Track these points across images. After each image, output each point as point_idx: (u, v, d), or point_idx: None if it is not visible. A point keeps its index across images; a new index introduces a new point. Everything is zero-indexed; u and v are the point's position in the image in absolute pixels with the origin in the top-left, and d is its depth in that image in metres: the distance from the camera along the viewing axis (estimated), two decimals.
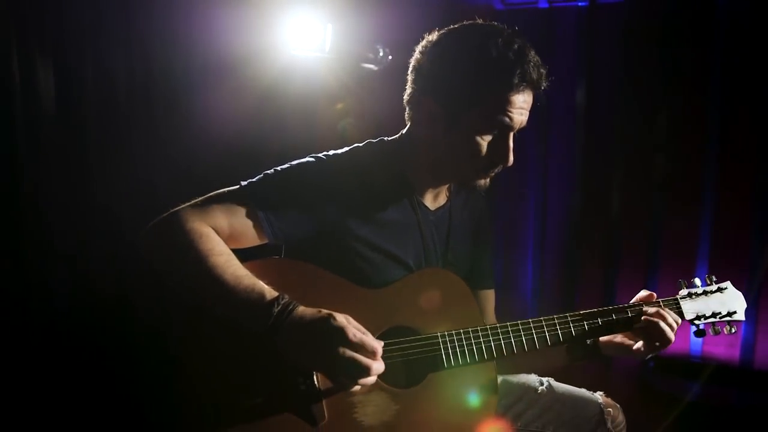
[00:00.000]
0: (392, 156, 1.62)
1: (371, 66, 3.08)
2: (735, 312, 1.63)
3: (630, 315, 1.58)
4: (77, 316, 2.37)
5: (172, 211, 1.44)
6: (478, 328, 1.51)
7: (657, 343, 1.56)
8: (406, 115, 1.62)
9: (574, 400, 1.77)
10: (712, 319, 1.62)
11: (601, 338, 1.66)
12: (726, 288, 1.65)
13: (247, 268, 1.41)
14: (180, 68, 2.62)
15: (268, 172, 1.53)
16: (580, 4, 3.33)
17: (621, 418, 1.76)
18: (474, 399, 1.52)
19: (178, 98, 2.60)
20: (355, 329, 1.32)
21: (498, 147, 1.51)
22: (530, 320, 1.54)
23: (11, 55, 2.13)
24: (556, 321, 1.55)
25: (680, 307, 1.63)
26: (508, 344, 1.51)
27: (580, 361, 1.71)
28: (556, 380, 1.84)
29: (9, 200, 2.18)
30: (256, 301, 1.35)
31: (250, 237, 1.48)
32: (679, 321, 1.59)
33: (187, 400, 1.42)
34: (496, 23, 1.53)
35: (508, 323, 1.53)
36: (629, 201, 3.29)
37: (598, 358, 1.70)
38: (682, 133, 3.17)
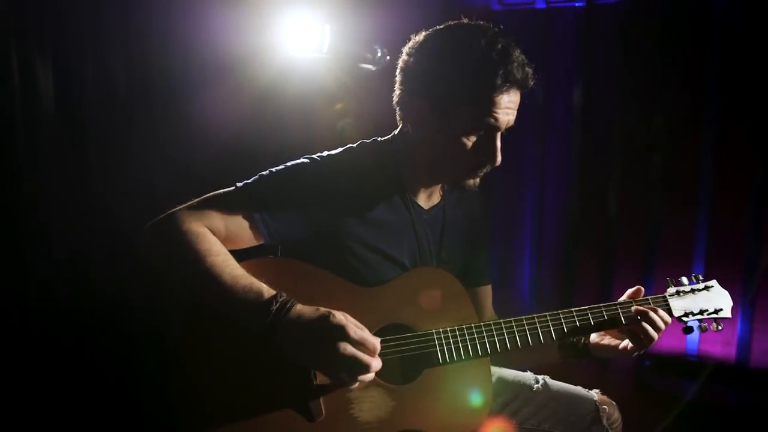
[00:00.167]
0: (385, 156, 1.63)
1: (369, 66, 3.09)
2: (721, 309, 1.66)
3: (620, 312, 1.60)
4: (76, 315, 2.38)
5: (169, 212, 1.45)
6: (473, 325, 1.53)
7: (642, 341, 1.58)
8: (397, 115, 1.64)
9: (569, 398, 1.79)
10: (699, 317, 1.65)
11: (591, 340, 1.68)
12: (712, 286, 1.69)
13: (244, 267, 1.42)
14: (178, 68, 2.63)
15: (264, 173, 1.54)
16: (577, 4, 3.34)
17: (617, 415, 1.78)
18: (469, 395, 1.54)
19: (177, 98, 2.61)
20: (355, 326, 1.33)
21: (485, 147, 1.52)
22: (523, 317, 1.56)
23: (11, 55, 2.14)
24: (548, 319, 1.57)
25: (669, 305, 1.65)
26: (502, 341, 1.53)
27: (573, 358, 1.73)
28: (552, 378, 1.86)
29: (8, 200, 2.19)
30: (253, 299, 1.36)
31: (246, 238, 1.49)
32: (669, 320, 1.61)
33: (185, 397, 1.44)
34: (482, 23, 1.54)
35: (501, 320, 1.55)
36: (626, 201, 3.30)
37: (589, 357, 1.72)
38: (678, 133, 3.18)
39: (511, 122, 1.53)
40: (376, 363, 1.34)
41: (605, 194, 3.33)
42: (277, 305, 1.34)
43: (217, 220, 1.46)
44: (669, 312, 1.63)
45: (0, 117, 2.15)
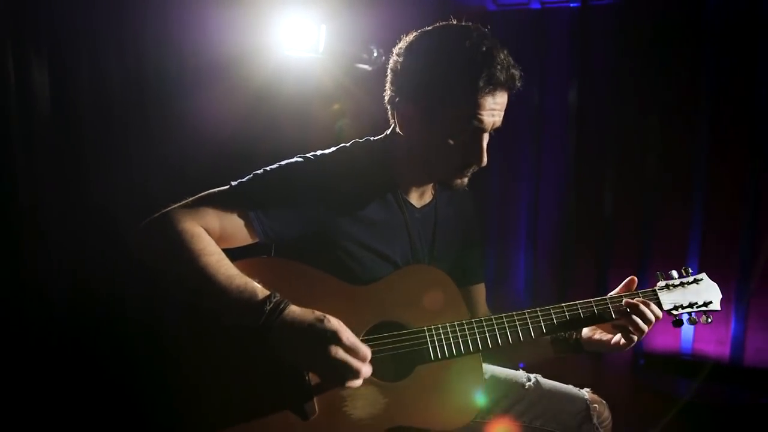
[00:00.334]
0: (378, 155, 1.64)
1: (365, 66, 3.10)
2: (711, 302, 1.67)
3: (610, 306, 1.61)
4: (72, 315, 2.38)
5: (163, 211, 1.46)
6: (464, 322, 1.54)
7: (633, 335, 1.58)
8: (389, 115, 1.65)
9: (560, 396, 1.80)
10: (689, 309, 1.66)
11: (583, 335, 1.69)
12: (702, 279, 1.69)
13: (238, 267, 1.43)
14: (174, 69, 2.63)
15: (258, 172, 1.55)
16: (572, 5, 3.36)
17: (607, 413, 1.79)
18: (461, 391, 1.55)
19: (172, 99, 2.61)
20: (348, 332, 1.35)
21: (472, 148, 1.53)
22: (514, 313, 1.56)
23: (6, 56, 2.14)
24: (539, 314, 1.57)
25: (658, 299, 1.65)
26: (493, 337, 1.54)
27: (566, 354, 1.73)
28: (545, 376, 1.87)
29: (3, 200, 2.20)
30: (247, 299, 1.37)
31: (241, 236, 1.50)
32: (660, 313, 1.61)
33: (180, 396, 1.45)
34: (470, 24, 1.55)
35: (492, 316, 1.56)
36: (621, 199, 3.32)
37: (582, 352, 1.72)
38: (673, 133, 3.21)
39: (498, 123, 1.54)
40: (366, 369, 1.36)
41: (600, 192, 3.35)
42: (271, 305, 1.35)
43: (212, 218, 1.46)
44: (659, 306, 1.64)
45: None
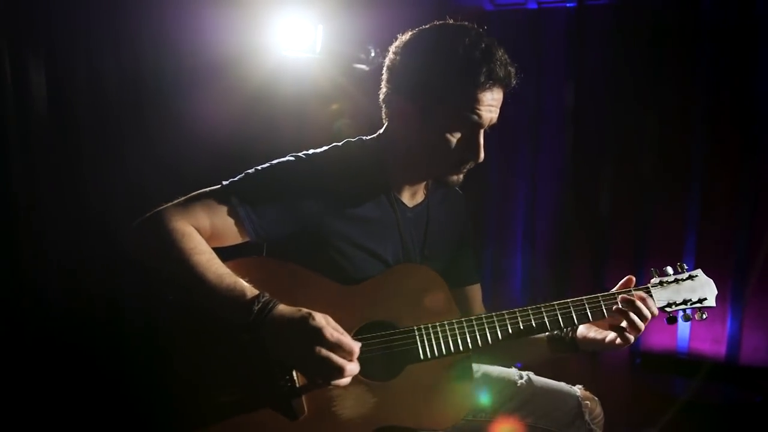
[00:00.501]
0: (371, 154, 1.65)
1: (362, 66, 3.10)
2: (706, 299, 1.64)
3: (602, 304, 1.60)
4: (69, 315, 2.39)
5: (155, 210, 1.47)
6: (454, 321, 1.54)
7: (629, 333, 1.56)
8: (383, 114, 1.66)
9: (553, 393, 1.81)
10: (683, 306, 1.63)
11: (578, 334, 1.68)
12: (697, 275, 1.66)
13: (229, 267, 1.43)
14: (170, 69, 2.64)
15: (249, 171, 1.56)
16: (568, 5, 3.36)
17: (599, 410, 1.79)
18: (450, 390, 1.55)
19: (169, 99, 2.62)
20: (332, 329, 1.35)
21: (469, 143, 1.54)
22: (505, 312, 1.56)
23: (3, 56, 2.16)
24: (530, 312, 1.57)
25: (652, 296, 1.63)
26: (483, 336, 1.54)
27: (562, 353, 1.72)
28: (541, 375, 1.87)
29: (0, 199, 2.21)
30: (236, 299, 1.38)
31: (232, 235, 1.51)
32: (656, 310, 1.60)
33: (170, 395, 1.46)
34: (466, 23, 1.57)
35: (483, 315, 1.56)
36: (618, 198, 3.33)
37: (578, 351, 1.71)
38: (669, 132, 3.21)
39: (494, 120, 1.55)
40: (351, 367, 1.35)
41: (597, 192, 3.35)
42: (259, 305, 1.36)
43: (203, 217, 1.47)
44: None
45: None
